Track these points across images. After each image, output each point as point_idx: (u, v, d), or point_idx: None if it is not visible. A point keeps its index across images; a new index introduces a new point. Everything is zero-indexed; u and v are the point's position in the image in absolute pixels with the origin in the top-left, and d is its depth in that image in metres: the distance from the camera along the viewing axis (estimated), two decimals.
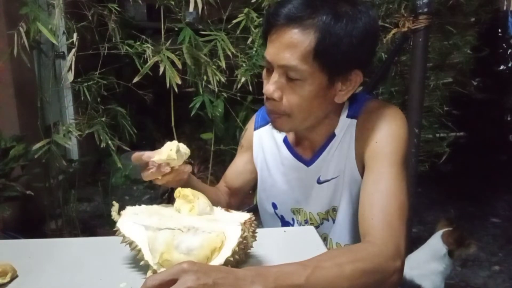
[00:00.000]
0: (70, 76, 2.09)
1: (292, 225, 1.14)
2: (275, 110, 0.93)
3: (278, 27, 0.88)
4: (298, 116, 0.93)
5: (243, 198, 1.27)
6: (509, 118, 4.62)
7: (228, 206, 1.12)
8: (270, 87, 0.91)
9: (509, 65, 4.56)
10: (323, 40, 0.84)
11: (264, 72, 0.95)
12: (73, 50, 2.06)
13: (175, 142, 0.92)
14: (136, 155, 0.92)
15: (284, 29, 0.87)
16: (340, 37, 0.85)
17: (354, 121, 0.98)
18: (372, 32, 0.89)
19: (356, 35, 0.86)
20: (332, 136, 1.01)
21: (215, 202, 0.93)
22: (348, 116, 1.00)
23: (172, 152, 0.90)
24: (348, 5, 0.87)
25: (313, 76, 0.88)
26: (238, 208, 1.14)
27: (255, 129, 1.17)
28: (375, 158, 0.92)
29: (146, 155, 0.91)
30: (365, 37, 0.87)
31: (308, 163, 1.05)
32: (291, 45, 0.86)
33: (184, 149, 0.93)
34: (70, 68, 2.07)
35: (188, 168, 0.96)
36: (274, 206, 1.15)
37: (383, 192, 0.86)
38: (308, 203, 1.08)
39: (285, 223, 1.15)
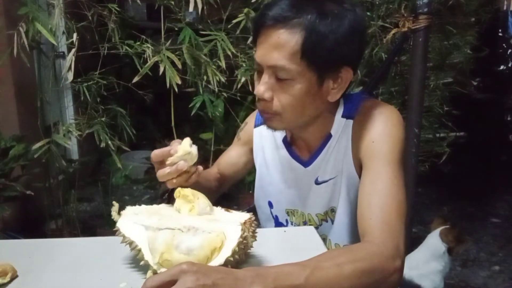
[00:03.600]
0: (70, 76, 2.09)
1: (286, 226, 1.14)
2: (266, 110, 0.94)
3: (266, 28, 0.89)
4: (289, 115, 0.93)
5: (231, 185, 1.27)
6: (509, 118, 4.63)
7: (217, 191, 1.15)
8: (260, 87, 0.91)
9: (509, 65, 4.56)
10: (309, 39, 0.86)
11: (255, 74, 0.96)
12: (73, 50, 2.07)
13: (188, 140, 0.90)
14: (156, 154, 0.88)
15: (272, 30, 0.88)
16: (325, 35, 0.86)
17: (350, 121, 0.99)
18: (358, 29, 0.90)
19: (342, 32, 0.87)
20: (328, 136, 1.01)
21: (207, 187, 1.00)
22: (343, 116, 1.00)
23: (187, 148, 0.88)
24: (334, 4, 0.88)
25: (302, 75, 0.88)
26: (238, 208, 1.14)
27: (256, 126, 1.17)
28: (372, 158, 0.92)
29: (162, 153, 0.88)
30: (351, 34, 0.88)
31: (305, 164, 1.05)
32: (278, 46, 0.87)
33: (195, 149, 0.93)
34: (70, 68, 2.07)
35: (200, 169, 0.93)
36: (270, 204, 1.15)
37: (381, 191, 0.87)
38: (306, 204, 1.08)
39: (278, 223, 1.15)
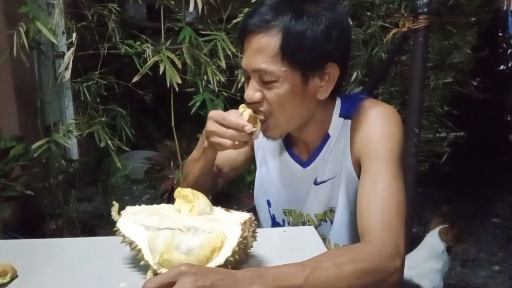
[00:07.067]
0: (67, 74, 2.09)
1: (282, 226, 1.14)
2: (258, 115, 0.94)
3: (248, 35, 0.91)
4: (280, 116, 0.94)
5: (228, 181, 1.28)
6: (509, 118, 4.63)
7: (213, 187, 1.16)
8: (249, 92, 0.93)
9: (509, 65, 4.56)
10: (287, 39, 0.87)
11: (245, 82, 0.98)
12: (72, 49, 2.06)
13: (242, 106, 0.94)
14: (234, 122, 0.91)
15: (253, 36, 0.90)
16: (302, 33, 0.87)
17: (349, 121, 0.99)
18: (338, 26, 0.91)
19: (320, 30, 0.88)
20: (326, 136, 1.01)
21: (209, 180, 1.08)
22: (340, 116, 1.00)
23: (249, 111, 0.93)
24: (311, 4, 0.90)
25: (285, 76, 0.90)
26: (238, 208, 1.15)
27: None
28: (371, 158, 0.92)
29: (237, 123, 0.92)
30: (329, 30, 0.89)
31: (304, 164, 1.05)
32: (259, 50, 0.89)
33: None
34: (67, 66, 2.06)
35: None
36: (269, 203, 1.15)
37: (380, 192, 0.87)
38: (305, 204, 1.08)
39: (275, 223, 1.15)
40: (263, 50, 0.89)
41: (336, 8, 0.92)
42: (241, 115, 0.92)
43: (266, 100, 0.93)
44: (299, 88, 0.91)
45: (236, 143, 0.93)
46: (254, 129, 0.92)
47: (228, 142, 0.93)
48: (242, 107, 0.95)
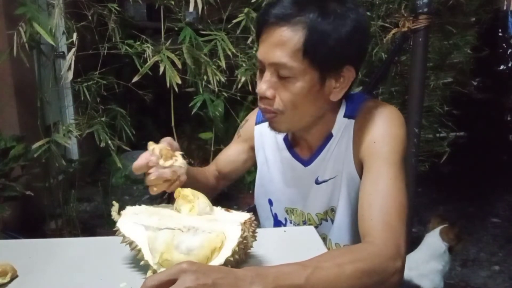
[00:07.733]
0: (70, 75, 2.09)
1: (284, 225, 1.14)
2: (269, 109, 0.94)
3: (268, 26, 0.89)
4: (291, 113, 0.93)
5: (230, 183, 1.28)
6: (509, 118, 4.63)
7: (214, 189, 1.15)
8: (262, 85, 0.91)
9: (509, 65, 4.57)
10: (311, 37, 0.86)
11: (257, 73, 0.97)
12: (73, 50, 2.06)
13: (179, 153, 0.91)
14: (138, 165, 0.87)
15: (274, 27, 0.88)
16: (328, 33, 0.86)
17: (352, 121, 0.99)
18: (361, 29, 0.90)
19: (344, 31, 0.87)
20: (329, 136, 1.01)
21: (203, 185, 1.03)
22: (345, 116, 1.00)
23: (181, 160, 0.90)
24: (336, 3, 0.89)
25: (304, 73, 0.89)
26: (238, 208, 1.15)
27: (257, 123, 1.16)
28: (373, 158, 0.92)
29: (141, 167, 0.87)
30: (353, 33, 0.88)
31: (306, 163, 1.05)
32: (280, 43, 0.87)
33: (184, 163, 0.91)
34: (69, 67, 2.07)
35: (183, 178, 0.91)
36: (270, 202, 1.15)
37: (382, 192, 0.87)
38: (306, 203, 1.08)
39: (277, 221, 1.15)
40: (284, 44, 0.87)
41: (359, 10, 0.91)
42: (153, 150, 0.88)
43: (278, 96, 0.91)
44: (315, 87, 0.91)
45: (155, 189, 0.88)
46: (168, 163, 0.87)
47: (153, 189, 0.88)
48: (150, 144, 0.90)
